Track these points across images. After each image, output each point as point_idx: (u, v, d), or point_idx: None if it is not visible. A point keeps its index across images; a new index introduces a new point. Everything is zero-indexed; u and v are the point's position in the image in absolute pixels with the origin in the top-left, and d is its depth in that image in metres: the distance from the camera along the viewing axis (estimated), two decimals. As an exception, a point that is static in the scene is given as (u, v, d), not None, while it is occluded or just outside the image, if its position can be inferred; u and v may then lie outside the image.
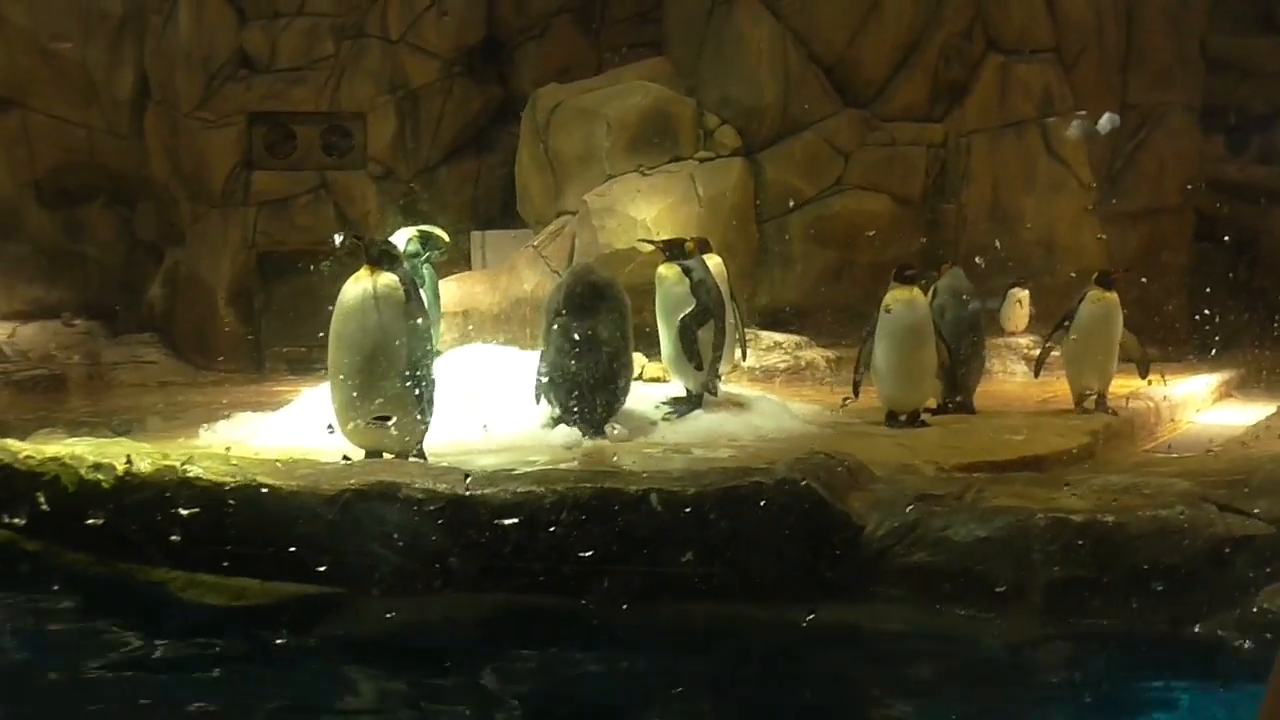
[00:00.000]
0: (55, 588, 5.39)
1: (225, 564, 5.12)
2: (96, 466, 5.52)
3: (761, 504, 4.97)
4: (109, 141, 14.70)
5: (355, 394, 6.14)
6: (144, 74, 14.76)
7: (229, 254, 14.48)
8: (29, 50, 14.28)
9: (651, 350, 8.53)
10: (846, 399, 8.45)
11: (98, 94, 14.64)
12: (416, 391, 6.20)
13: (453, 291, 11.75)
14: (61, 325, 13.36)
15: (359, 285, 6.18)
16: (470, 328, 10.82)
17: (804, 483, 5.06)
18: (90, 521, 5.43)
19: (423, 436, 6.31)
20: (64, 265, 14.37)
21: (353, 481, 5.20)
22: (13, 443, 6.30)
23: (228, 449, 6.10)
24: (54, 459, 5.83)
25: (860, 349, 8.25)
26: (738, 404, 8.14)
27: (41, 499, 5.73)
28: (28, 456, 6.06)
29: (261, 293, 14.54)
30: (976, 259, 10.69)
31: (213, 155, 14.59)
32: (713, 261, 8.77)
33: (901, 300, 7.99)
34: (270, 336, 14.11)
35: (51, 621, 5.20)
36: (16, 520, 5.88)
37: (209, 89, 14.56)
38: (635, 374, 7.90)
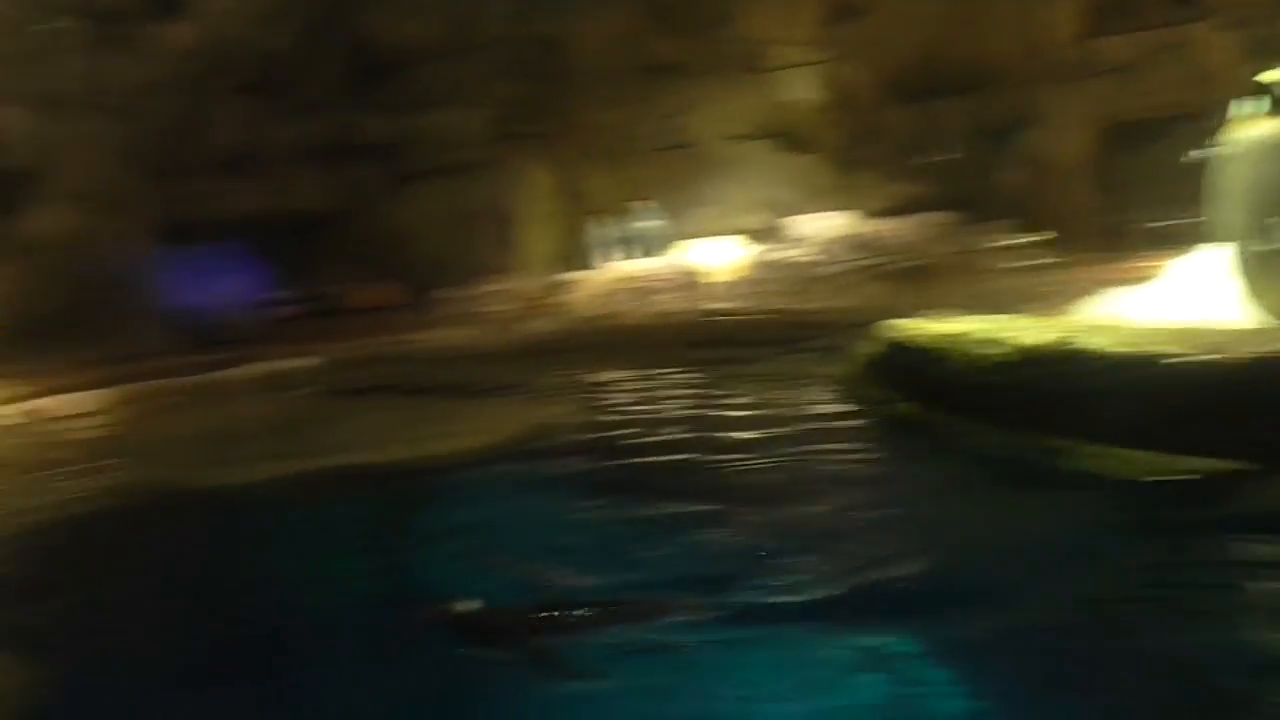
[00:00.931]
0: (958, 458, 5.63)
1: (1119, 435, 4.95)
2: (988, 342, 5.69)
3: None
4: (954, 31, 14.99)
5: (1255, 251, 5.54)
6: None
7: (1076, 130, 14.18)
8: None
9: None
10: None
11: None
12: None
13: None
14: (926, 218, 14.12)
15: (1250, 133, 5.55)
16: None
17: None
18: (984, 394, 5.61)
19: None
20: (920, 160, 15.13)
21: (1265, 349, 4.68)
22: (904, 322, 6.80)
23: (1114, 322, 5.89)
24: (945, 336, 6.15)
25: None
26: None
27: (935, 373, 6.09)
28: (918, 334, 6.50)
29: (1114, 167, 14.00)
30: None
31: (1052, 28, 14.33)
32: None
33: None
34: (1127, 210, 13.56)
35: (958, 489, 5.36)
36: (916, 393, 6.33)
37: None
38: None
